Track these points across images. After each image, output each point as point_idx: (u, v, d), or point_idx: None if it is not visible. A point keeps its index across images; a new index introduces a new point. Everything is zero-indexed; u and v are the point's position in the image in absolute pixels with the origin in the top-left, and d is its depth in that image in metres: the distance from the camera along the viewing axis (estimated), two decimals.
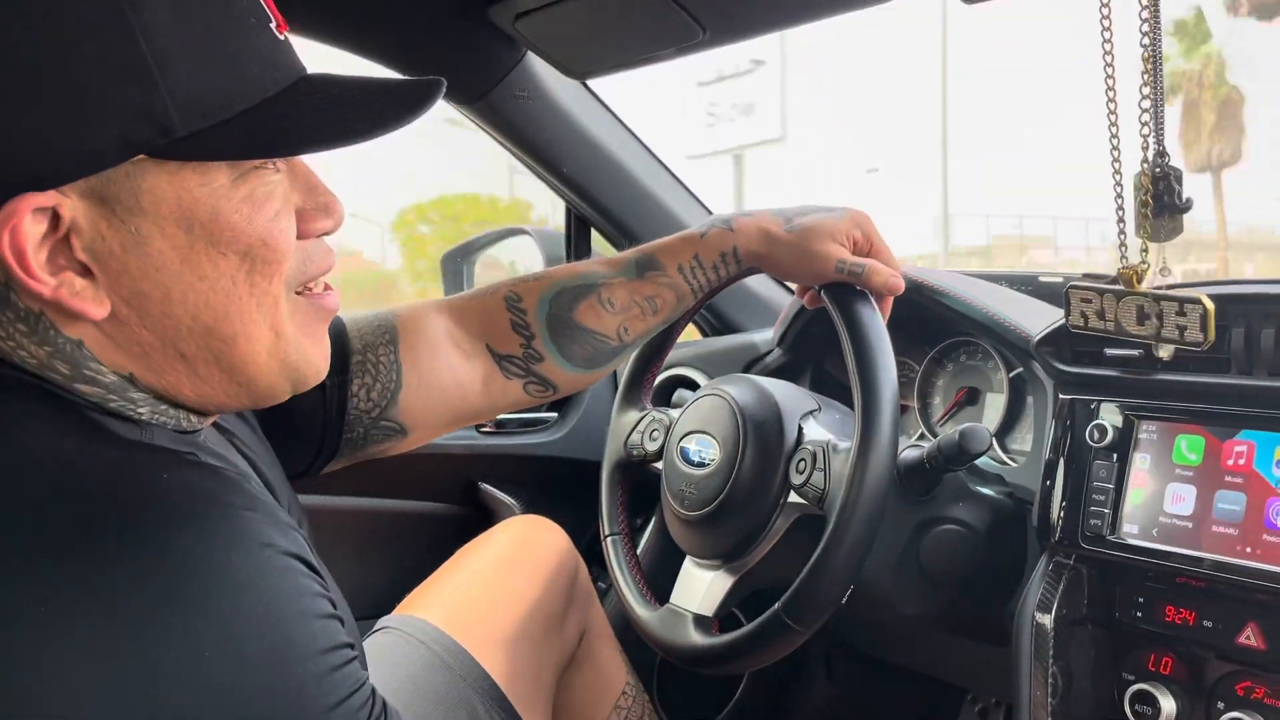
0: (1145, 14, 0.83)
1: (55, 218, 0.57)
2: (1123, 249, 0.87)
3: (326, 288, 0.71)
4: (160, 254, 0.60)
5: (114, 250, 0.59)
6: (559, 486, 1.67)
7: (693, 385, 1.60)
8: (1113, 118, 0.86)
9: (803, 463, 1.11)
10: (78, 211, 0.57)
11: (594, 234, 1.67)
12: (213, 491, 0.59)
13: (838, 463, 1.06)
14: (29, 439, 0.58)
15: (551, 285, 1.02)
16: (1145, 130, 0.83)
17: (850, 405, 1.46)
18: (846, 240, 1.02)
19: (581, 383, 1.07)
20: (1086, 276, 0.99)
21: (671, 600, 1.25)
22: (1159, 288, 0.88)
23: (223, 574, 0.55)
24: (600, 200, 1.53)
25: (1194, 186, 0.89)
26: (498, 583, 1.33)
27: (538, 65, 1.38)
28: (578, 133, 1.45)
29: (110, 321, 0.61)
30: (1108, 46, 0.86)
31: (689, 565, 1.26)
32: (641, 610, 1.27)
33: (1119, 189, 0.87)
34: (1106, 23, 0.86)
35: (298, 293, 0.68)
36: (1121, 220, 0.87)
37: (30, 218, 0.56)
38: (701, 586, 1.22)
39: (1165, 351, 0.90)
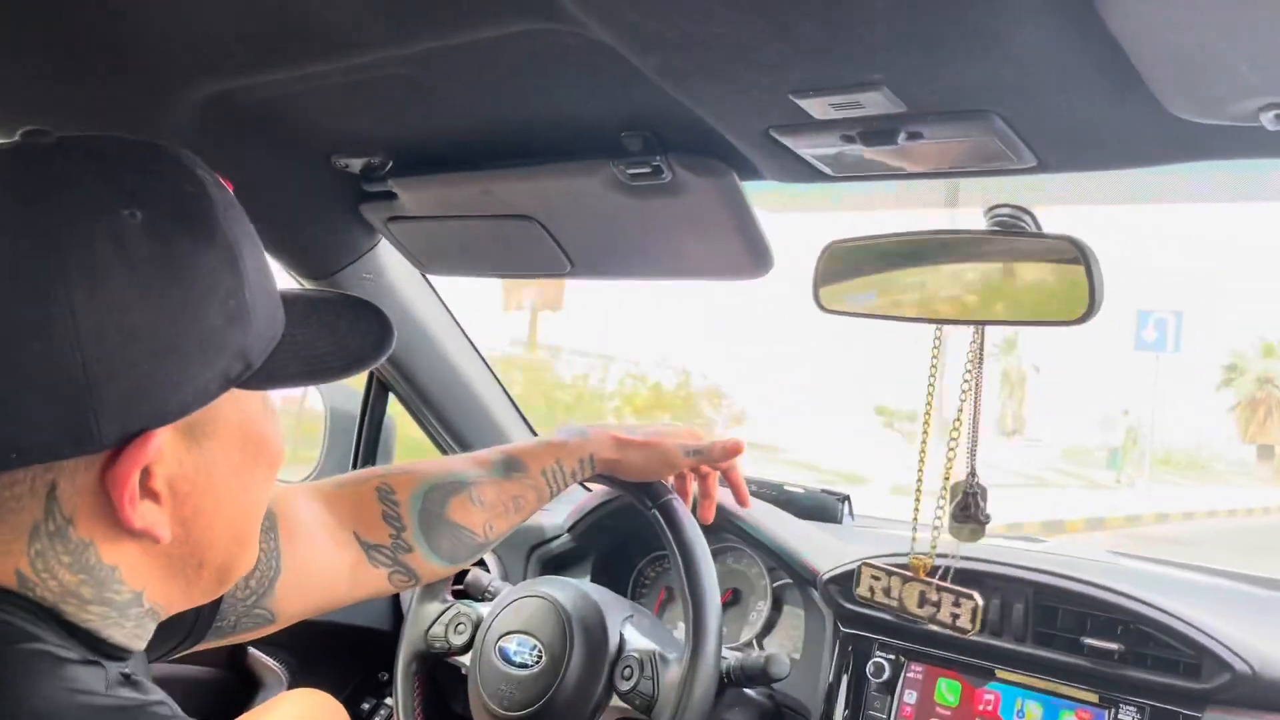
0: (970, 355, 1.06)
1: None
2: (914, 540, 1.07)
3: None
4: (221, 472, 0.64)
5: (188, 474, 0.62)
6: (324, 650, 1.65)
7: (479, 562, 1.65)
8: (924, 438, 1.07)
9: (629, 669, 1.21)
10: (167, 442, 0.60)
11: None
12: None
13: (669, 673, 1.17)
14: (33, 704, 0.57)
15: (424, 479, 1.07)
16: (953, 451, 1.04)
17: (647, 605, 1.60)
18: (686, 441, 1.19)
19: (441, 574, 1.12)
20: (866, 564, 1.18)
21: None
22: (937, 576, 1.09)
23: None
24: (414, 374, 1.57)
25: None
26: None
27: (387, 251, 1.43)
28: (410, 316, 1.50)
29: (153, 543, 0.63)
30: (931, 383, 1.08)
31: None
32: None
33: (918, 493, 1.07)
34: (934, 363, 1.08)
35: None
36: (917, 511, 1.07)
37: (147, 456, 0.59)
38: None
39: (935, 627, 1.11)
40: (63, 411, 0.56)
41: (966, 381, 1.06)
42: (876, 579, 1.11)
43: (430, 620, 1.39)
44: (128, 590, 0.63)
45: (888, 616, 1.25)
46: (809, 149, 0.93)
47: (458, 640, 1.36)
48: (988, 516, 1.04)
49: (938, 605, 1.06)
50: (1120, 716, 1.08)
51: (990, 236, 0.99)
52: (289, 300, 0.69)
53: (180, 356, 0.58)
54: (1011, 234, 0.97)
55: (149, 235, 0.57)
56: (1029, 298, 0.97)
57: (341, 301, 0.73)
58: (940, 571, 1.08)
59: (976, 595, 1.04)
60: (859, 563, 1.15)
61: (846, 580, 1.29)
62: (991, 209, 1.02)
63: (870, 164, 0.95)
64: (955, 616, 1.04)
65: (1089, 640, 1.12)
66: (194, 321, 0.59)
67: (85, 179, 0.58)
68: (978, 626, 1.03)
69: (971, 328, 1.04)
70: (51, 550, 0.60)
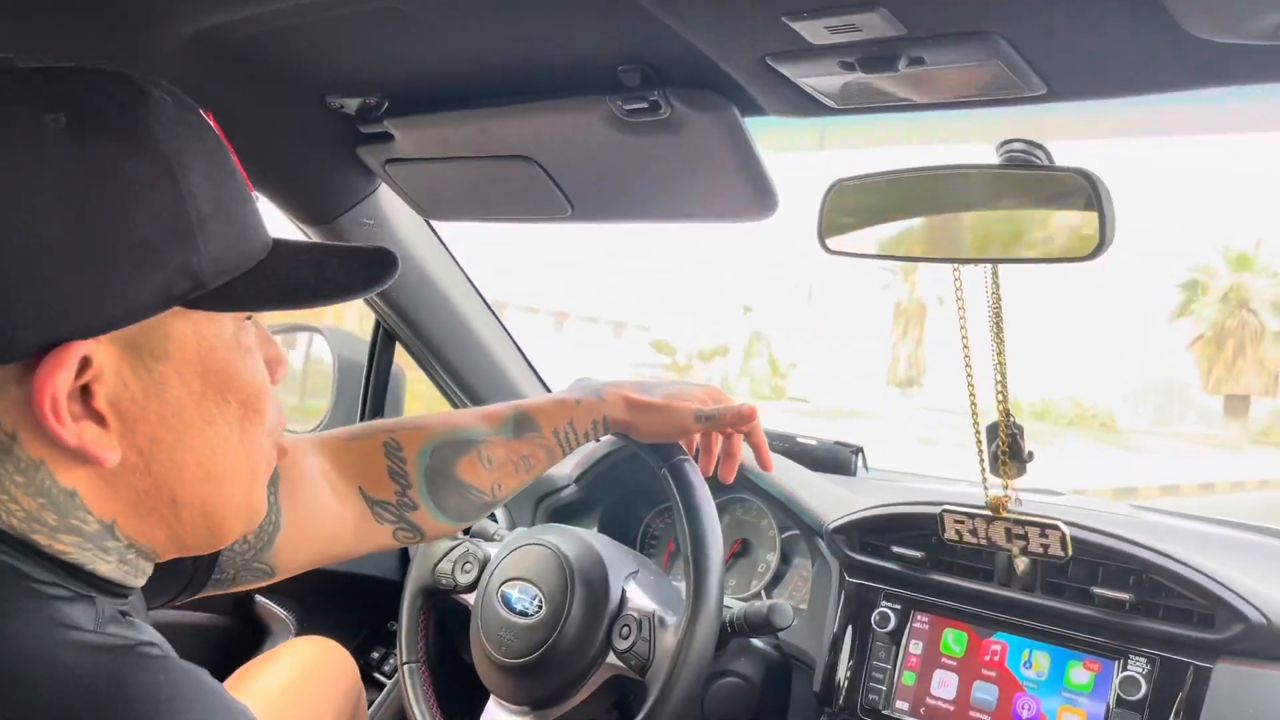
0: (990, 295, 1.02)
1: (82, 367, 0.58)
2: (985, 484, 1.05)
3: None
4: (177, 400, 0.62)
5: (135, 397, 0.60)
6: (332, 599, 1.65)
7: None
8: (970, 384, 1.04)
9: (627, 629, 1.20)
10: (106, 359, 0.59)
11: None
12: (209, 688, 0.60)
13: (665, 638, 1.16)
14: (24, 641, 0.56)
15: (432, 437, 1.05)
16: (1000, 393, 1.01)
17: (655, 558, 1.58)
18: (702, 404, 1.15)
19: (447, 532, 1.11)
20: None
21: None
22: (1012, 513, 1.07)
23: None
24: (420, 324, 1.56)
25: None
26: (286, 710, 1.31)
27: (387, 197, 1.41)
28: (412, 263, 1.48)
29: (112, 469, 0.61)
30: (963, 325, 1.05)
31: (494, 707, 1.31)
32: None
33: (979, 439, 1.04)
34: (960, 305, 1.05)
35: None
36: (982, 462, 1.05)
37: (66, 367, 0.57)
38: None
39: (1022, 565, 1.11)
40: None
41: (992, 321, 1.03)
42: (960, 522, 1.10)
43: (438, 556, 1.39)
44: (94, 520, 0.62)
45: (894, 567, 1.23)
46: (808, 78, 0.89)
47: (464, 579, 1.36)
48: (1030, 455, 1.02)
49: (1026, 538, 1.05)
50: (1129, 667, 1.05)
51: (1001, 171, 0.95)
52: (282, 244, 0.67)
53: (105, 267, 0.57)
54: (1023, 168, 0.93)
55: (70, 140, 0.56)
56: (1040, 234, 0.93)
57: (340, 248, 0.71)
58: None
59: (1061, 524, 1.03)
60: (941, 509, 1.13)
61: (852, 530, 1.27)
62: (1004, 144, 0.98)
63: (873, 94, 0.91)
64: (1046, 546, 1.04)
65: (1099, 590, 1.09)
66: (120, 231, 0.57)
67: (14, 90, 0.57)
68: (1069, 551, 1.03)
69: (986, 267, 1.00)
70: (3, 469, 0.59)
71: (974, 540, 1.07)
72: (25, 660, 0.55)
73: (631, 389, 1.15)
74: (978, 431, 1.03)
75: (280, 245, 0.67)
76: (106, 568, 0.63)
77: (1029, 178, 0.93)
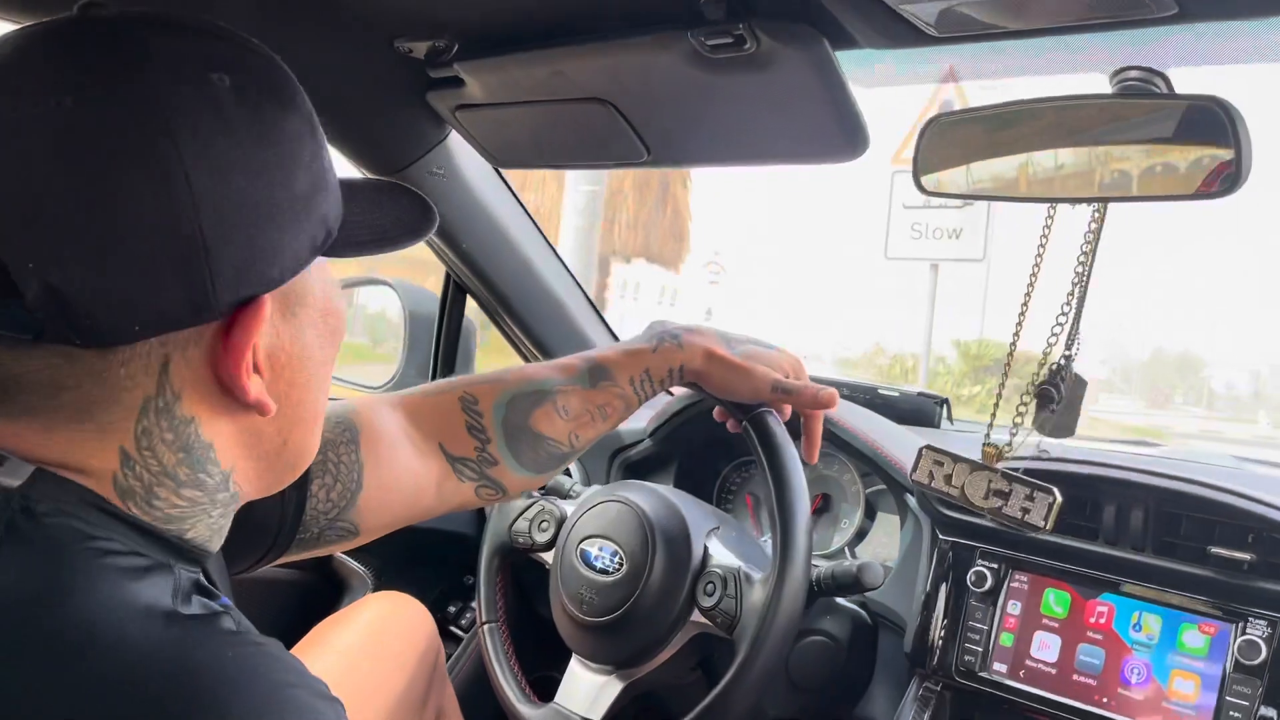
0: (1090, 235, 0.95)
1: None
2: (990, 428, 0.98)
3: None
4: (310, 342, 0.65)
5: (284, 345, 0.62)
6: (409, 554, 1.65)
7: None
8: (1020, 323, 0.98)
9: (711, 585, 1.16)
10: (267, 313, 0.60)
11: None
12: (282, 663, 0.57)
13: (753, 594, 1.12)
14: (92, 613, 0.54)
15: (508, 389, 1.02)
16: (1056, 332, 0.95)
17: (732, 512, 1.55)
18: (782, 373, 1.10)
19: (528, 486, 1.08)
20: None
21: (557, 700, 1.27)
22: (1015, 468, 0.98)
23: None
24: (490, 275, 1.52)
25: None
26: (364, 666, 1.31)
27: (457, 145, 1.37)
28: (483, 213, 1.44)
29: (250, 419, 0.63)
30: (1036, 266, 0.98)
31: (576, 666, 1.29)
32: (524, 708, 1.29)
33: (1005, 376, 0.98)
34: (1043, 244, 0.98)
35: None
36: (999, 399, 0.98)
37: (260, 321, 0.59)
38: (591, 690, 1.25)
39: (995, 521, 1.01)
40: (184, 278, 0.55)
41: (1080, 263, 0.97)
42: (938, 464, 1.02)
43: (514, 515, 1.37)
44: (218, 471, 0.63)
45: (988, 522, 1.17)
46: (906, 4, 0.82)
47: (541, 538, 1.34)
48: (1054, 409, 0.95)
49: (1006, 498, 0.96)
50: (1249, 630, 0.99)
51: (1116, 101, 0.88)
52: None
53: (279, 221, 0.58)
54: (1142, 97, 0.86)
55: (238, 100, 0.56)
56: (1162, 168, 0.86)
57: (373, 185, 0.72)
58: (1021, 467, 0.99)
59: (1056, 492, 0.94)
60: (923, 445, 1.05)
61: None
62: (1118, 72, 0.91)
63: (980, 20, 0.84)
64: (1025, 511, 0.95)
65: (1216, 549, 1.02)
66: (287, 186, 0.58)
67: (165, 47, 0.56)
68: (1051, 525, 0.94)
69: (1091, 206, 0.94)
70: (157, 427, 0.59)
71: (945, 488, 0.99)
72: (91, 634, 0.53)
73: (714, 341, 1.09)
74: (1005, 373, 0.96)
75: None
76: (202, 527, 0.63)
77: (1149, 108, 0.86)
